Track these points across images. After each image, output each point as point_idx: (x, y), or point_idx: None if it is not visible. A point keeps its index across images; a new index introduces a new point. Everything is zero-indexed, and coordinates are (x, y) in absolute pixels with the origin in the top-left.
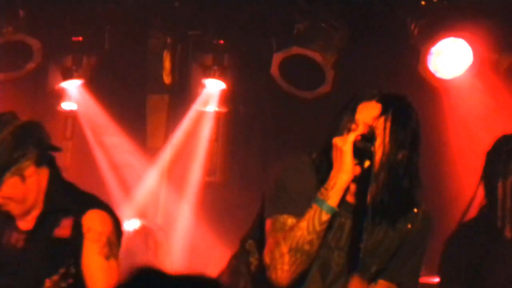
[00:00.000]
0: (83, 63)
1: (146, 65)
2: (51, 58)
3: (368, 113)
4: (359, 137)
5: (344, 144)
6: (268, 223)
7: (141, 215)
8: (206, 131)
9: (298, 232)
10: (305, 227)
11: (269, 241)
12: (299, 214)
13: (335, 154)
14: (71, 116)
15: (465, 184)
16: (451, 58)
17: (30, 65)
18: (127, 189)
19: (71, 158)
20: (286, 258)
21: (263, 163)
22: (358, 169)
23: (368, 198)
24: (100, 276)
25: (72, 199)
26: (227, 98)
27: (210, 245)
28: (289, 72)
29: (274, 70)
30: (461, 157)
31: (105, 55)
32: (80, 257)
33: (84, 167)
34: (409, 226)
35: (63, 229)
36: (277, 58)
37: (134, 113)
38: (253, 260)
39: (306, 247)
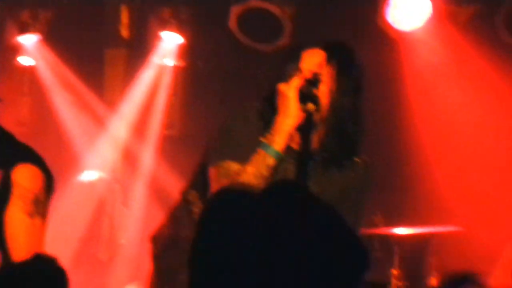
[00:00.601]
0: (40, 18)
1: (103, 19)
2: (7, 12)
3: (312, 60)
4: (304, 82)
5: (289, 90)
6: (212, 171)
7: (101, 167)
8: (164, 84)
9: (245, 177)
10: (252, 172)
11: (215, 188)
12: (243, 160)
13: (280, 100)
14: (29, 71)
15: (422, 135)
16: (409, 9)
17: None
18: (85, 143)
19: (29, 113)
20: None
21: (221, 118)
22: (302, 115)
23: (313, 143)
24: (22, 234)
25: (4, 150)
26: (185, 52)
27: (169, 197)
28: (248, 25)
29: (232, 23)
30: (418, 108)
31: (62, 10)
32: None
33: (42, 122)
34: (352, 174)
35: None
36: (235, 11)
37: (91, 67)
38: (196, 210)
39: None
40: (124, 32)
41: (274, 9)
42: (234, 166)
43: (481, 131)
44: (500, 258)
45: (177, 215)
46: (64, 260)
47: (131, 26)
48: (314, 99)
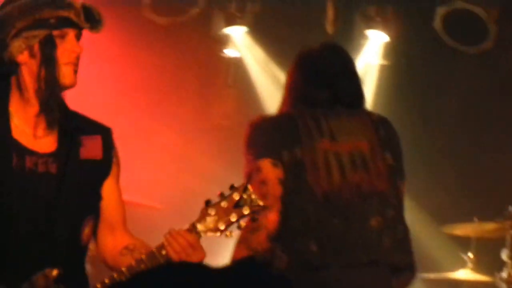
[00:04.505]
0: (247, 10)
1: (309, 14)
2: (215, 4)
3: None
4: None
5: None
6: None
7: None
8: (370, 83)
9: None
10: None
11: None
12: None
13: None
14: (234, 62)
15: None
16: None
17: (194, 10)
18: None
19: (232, 106)
20: None
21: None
22: None
23: None
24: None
25: (81, 118)
26: (390, 51)
27: None
28: (452, 26)
29: (437, 24)
30: None
31: (268, 3)
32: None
33: (246, 115)
34: None
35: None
36: (440, 12)
37: None
38: None
39: None
40: (329, 28)
41: (479, 11)
42: None
43: None
44: None
45: None
46: None
47: (336, 23)
48: None
